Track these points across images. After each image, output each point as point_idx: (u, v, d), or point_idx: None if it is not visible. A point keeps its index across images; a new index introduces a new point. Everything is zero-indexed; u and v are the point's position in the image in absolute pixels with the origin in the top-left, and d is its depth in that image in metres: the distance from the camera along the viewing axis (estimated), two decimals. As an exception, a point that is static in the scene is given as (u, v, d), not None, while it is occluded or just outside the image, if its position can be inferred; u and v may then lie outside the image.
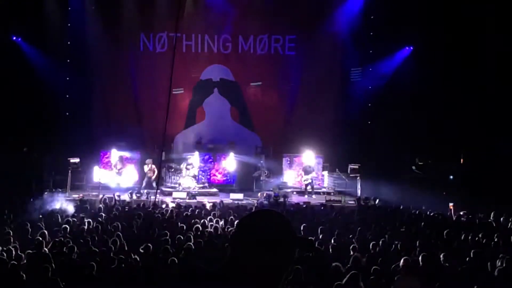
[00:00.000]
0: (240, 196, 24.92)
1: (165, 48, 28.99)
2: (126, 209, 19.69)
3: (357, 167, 26.17)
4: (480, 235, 14.96)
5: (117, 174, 26.50)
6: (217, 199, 23.39)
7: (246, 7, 28.49)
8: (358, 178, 25.90)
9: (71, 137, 26.53)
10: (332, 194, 26.59)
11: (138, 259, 11.74)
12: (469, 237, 14.78)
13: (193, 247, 12.81)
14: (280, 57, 29.41)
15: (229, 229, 15.40)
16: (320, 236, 14.62)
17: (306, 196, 26.06)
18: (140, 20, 28.73)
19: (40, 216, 17.07)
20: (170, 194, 25.08)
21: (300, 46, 29.34)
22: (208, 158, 28.10)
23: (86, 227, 15.34)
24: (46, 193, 23.38)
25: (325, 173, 27.68)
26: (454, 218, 19.34)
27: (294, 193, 26.84)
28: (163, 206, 20.95)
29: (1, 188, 21.54)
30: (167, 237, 13.69)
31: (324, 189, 27.37)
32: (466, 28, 25.76)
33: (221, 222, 16.95)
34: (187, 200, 23.78)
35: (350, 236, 15.08)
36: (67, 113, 27.94)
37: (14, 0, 25.83)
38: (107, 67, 28.50)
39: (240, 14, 28.46)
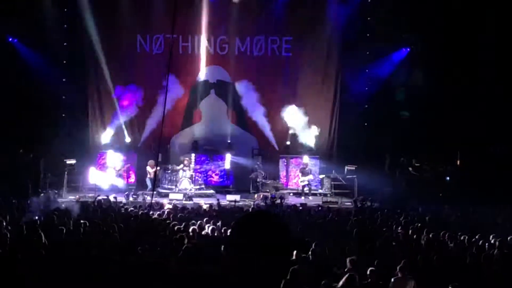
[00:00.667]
0: (237, 197, 24.89)
1: (161, 50, 28.97)
2: (122, 211, 19.63)
3: (353, 168, 26.19)
4: (476, 237, 14.97)
5: (116, 176, 26.49)
6: (213, 201, 23.37)
7: (242, 8, 28.47)
8: (355, 179, 25.90)
9: (67, 139, 26.53)
10: (328, 195, 26.58)
11: (134, 260, 11.69)
12: (465, 238, 14.79)
13: (190, 248, 12.76)
14: (276, 58, 29.36)
15: (226, 231, 15.35)
16: (317, 238, 14.57)
17: (302, 197, 26.06)
18: (137, 21, 28.68)
19: (36, 218, 17.00)
20: (166, 195, 25.06)
21: (297, 47, 29.30)
22: (204, 159, 28.07)
23: (82, 229, 15.29)
24: (43, 193, 23.34)
25: (322, 176, 27.64)
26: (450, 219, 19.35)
27: (291, 194, 26.84)
28: (159, 207, 20.90)
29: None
30: (164, 238, 13.66)
31: (320, 191, 27.36)
32: (463, 29, 25.81)
33: (218, 224, 16.90)
34: (184, 202, 23.74)
35: (347, 237, 15.06)
36: (63, 115, 27.89)
37: (10, 1, 25.78)
38: (104, 69, 28.42)
39: (236, 16, 28.44)
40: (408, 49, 28.31)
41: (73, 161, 25.65)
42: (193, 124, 29.68)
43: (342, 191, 26.47)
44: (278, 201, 23.56)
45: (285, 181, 28.28)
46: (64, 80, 28.03)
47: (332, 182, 27.00)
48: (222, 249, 12.31)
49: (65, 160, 25.44)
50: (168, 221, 17.12)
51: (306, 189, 26.59)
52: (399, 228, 16.86)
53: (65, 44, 28.04)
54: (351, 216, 19.74)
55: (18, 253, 11.67)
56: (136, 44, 29.14)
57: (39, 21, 27.26)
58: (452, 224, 18.05)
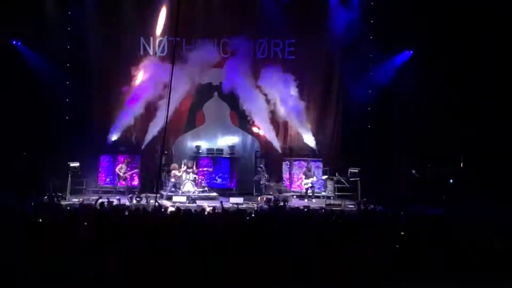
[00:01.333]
0: (240, 200, 24.89)
1: (165, 52, 29.01)
2: (126, 213, 19.59)
3: (357, 171, 26.18)
4: (479, 238, 14.92)
5: (121, 178, 26.53)
6: (217, 203, 23.36)
7: (245, 11, 28.51)
8: (358, 182, 25.89)
9: (71, 141, 26.57)
10: (332, 198, 26.58)
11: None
12: (469, 241, 14.74)
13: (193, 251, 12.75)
14: (279, 61, 29.33)
15: (231, 232, 15.31)
16: (320, 239, 14.53)
17: (306, 200, 26.04)
18: (140, 24, 28.72)
19: (40, 220, 16.98)
20: (169, 198, 25.06)
21: (300, 50, 29.29)
22: (208, 162, 28.06)
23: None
24: (46, 196, 23.35)
25: (325, 177, 27.61)
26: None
27: (294, 197, 26.82)
28: (162, 210, 20.86)
29: (0, 192, 21.52)
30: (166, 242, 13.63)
31: (324, 193, 27.35)
32: (466, 31, 25.78)
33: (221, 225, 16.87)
34: (187, 204, 23.76)
35: (350, 240, 15.01)
36: (67, 117, 27.91)
37: (13, 4, 25.82)
38: (107, 71, 28.46)
39: (239, 19, 28.47)
40: (411, 52, 28.28)
41: (76, 164, 25.67)
42: (196, 126, 29.71)
43: (345, 193, 26.47)
44: (281, 203, 23.54)
45: (288, 183, 28.26)
46: (67, 83, 28.06)
47: (335, 185, 27.00)
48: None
49: (68, 163, 25.46)
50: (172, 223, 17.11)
51: (309, 191, 26.59)
52: (402, 231, 16.84)
53: (68, 47, 28.07)
54: (354, 218, 19.73)
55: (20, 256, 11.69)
56: (140, 47, 29.18)
57: (43, 24, 27.31)
58: (456, 226, 18.00)
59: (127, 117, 27.93)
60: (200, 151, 28.38)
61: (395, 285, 10.89)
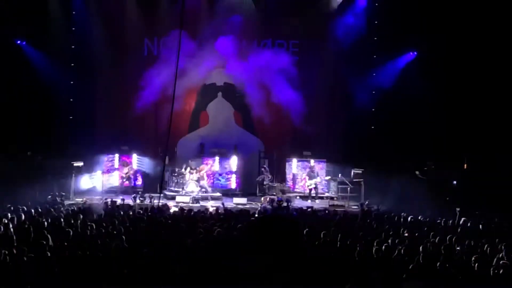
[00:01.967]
0: (243, 200, 24.91)
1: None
2: (130, 213, 19.64)
3: (360, 172, 26.16)
4: (483, 241, 14.93)
5: (124, 179, 26.55)
6: (220, 204, 23.40)
7: (250, 12, 28.53)
8: (362, 183, 25.87)
9: (75, 141, 26.62)
10: (335, 198, 26.58)
11: (141, 262, 11.71)
12: (472, 243, 14.76)
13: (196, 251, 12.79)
14: (283, 61, 29.30)
15: (234, 233, 15.34)
16: (324, 240, 14.57)
17: (309, 201, 26.03)
18: (144, 24, 28.78)
19: (44, 220, 17.03)
20: (173, 198, 25.09)
21: (304, 50, 29.32)
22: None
23: (89, 231, 15.31)
24: (50, 196, 23.39)
25: (328, 178, 27.59)
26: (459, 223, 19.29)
27: (298, 197, 26.82)
28: (165, 210, 20.90)
29: (5, 191, 21.54)
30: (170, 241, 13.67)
31: (327, 194, 27.34)
32: (469, 33, 25.76)
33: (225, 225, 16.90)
34: (190, 204, 23.77)
35: (354, 241, 15.04)
36: (71, 117, 27.96)
37: (18, 4, 25.86)
38: (111, 71, 28.53)
39: (244, 19, 28.46)
40: (415, 53, 28.28)
41: (80, 164, 25.70)
42: (200, 126, 29.73)
43: (348, 194, 26.44)
44: (285, 204, 23.56)
45: (291, 184, 28.26)
46: (71, 82, 28.12)
47: (339, 186, 26.98)
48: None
49: (72, 162, 25.49)
50: (175, 223, 17.13)
51: (313, 192, 26.58)
52: (405, 232, 16.85)
53: (72, 47, 28.15)
54: (357, 219, 19.76)
55: (24, 255, 11.72)
56: (144, 47, 29.23)
57: (47, 24, 27.39)
58: (460, 228, 18.01)
59: (131, 117, 27.98)
60: (203, 151, 28.36)
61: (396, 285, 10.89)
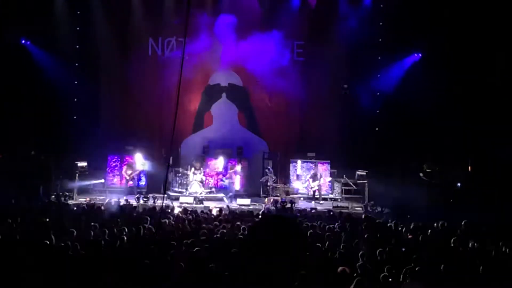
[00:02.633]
0: (247, 201, 24.89)
1: (173, 53, 29.03)
2: (134, 214, 19.63)
3: (364, 173, 26.15)
4: (487, 243, 14.91)
5: (128, 180, 26.54)
6: (224, 204, 23.40)
7: (255, 12, 28.50)
8: (366, 184, 25.85)
9: (79, 141, 26.66)
10: (339, 200, 26.55)
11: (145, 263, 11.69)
12: (475, 245, 14.74)
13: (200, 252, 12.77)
14: (288, 62, 29.32)
15: (238, 234, 15.33)
16: (327, 243, 14.55)
17: (313, 202, 25.97)
18: (149, 25, 28.79)
19: (47, 219, 17.04)
20: (177, 198, 25.07)
21: (309, 52, 29.30)
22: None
23: (92, 231, 15.31)
24: (54, 195, 23.42)
25: (329, 179, 27.53)
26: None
27: (301, 199, 26.76)
28: (169, 210, 20.89)
29: (9, 191, 21.58)
30: (174, 241, 13.66)
31: (331, 196, 27.30)
32: (474, 34, 25.70)
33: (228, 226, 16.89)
34: (194, 205, 23.77)
35: (357, 242, 15.02)
36: (75, 117, 27.97)
37: (23, 4, 25.88)
38: (116, 72, 28.56)
39: (248, 19, 28.42)
40: (420, 54, 28.25)
41: (84, 163, 25.72)
42: (204, 127, 29.72)
43: (352, 196, 26.42)
44: (288, 205, 23.54)
45: (295, 185, 28.20)
46: (76, 82, 28.13)
47: (343, 187, 26.94)
48: (233, 252, 12.33)
49: (76, 162, 25.50)
50: (178, 224, 17.12)
51: (316, 194, 26.52)
52: (409, 234, 16.84)
53: (77, 46, 28.19)
54: (361, 221, 19.72)
55: (28, 255, 11.71)
56: (148, 47, 29.25)
57: (52, 23, 27.41)
58: (464, 230, 17.98)
59: (135, 117, 28.07)
60: (207, 151, 28.33)
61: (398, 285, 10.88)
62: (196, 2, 27.71)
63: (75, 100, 28.12)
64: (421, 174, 26.62)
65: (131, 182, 26.53)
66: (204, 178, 26.73)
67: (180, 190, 26.52)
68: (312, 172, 27.14)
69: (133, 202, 23.14)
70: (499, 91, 25.92)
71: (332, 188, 27.79)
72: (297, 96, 28.63)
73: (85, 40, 28.15)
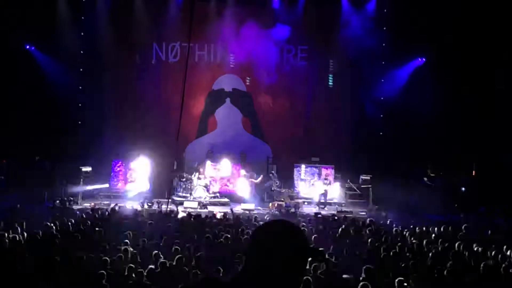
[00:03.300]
0: (251, 206, 24.89)
1: (177, 58, 29.12)
2: (139, 219, 19.65)
3: (368, 178, 26.14)
4: (492, 246, 14.90)
5: (132, 184, 26.59)
6: (227, 209, 23.40)
7: (258, 17, 28.54)
8: (370, 189, 25.84)
9: (83, 146, 26.69)
10: (343, 205, 26.52)
11: (150, 268, 11.71)
12: (479, 250, 14.74)
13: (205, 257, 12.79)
14: (292, 67, 29.39)
15: (243, 238, 15.33)
16: (332, 247, 14.56)
17: (317, 207, 25.93)
18: (153, 30, 28.86)
19: (52, 224, 17.07)
20: (181, 203, 25.08)
21: (312, 56, 29.35)
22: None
23: (97, 236, 15.34)
24: (59, 200, 23.47)
25: (337, 184, 27.50)
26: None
27: (306, 203, 26.74)
28: (173, 215, 20.89)
29: (14, 196, 21.64)
30: (178, 247, 13.67)
31: (335, 200, 27.25)
32: (479, 39, 25.71)
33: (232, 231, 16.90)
34: (198, 210, 23.77)
35: (362, 247, 15.04)
36: (79, 122, 28.02)
37: (27, 9, 25.95)
38: (120, 77, 28.64)
39: (252, 24, 28.47)
40: (424, 59, 28.26)
41: (88, 169, 25.76)
42: (208, 132, 29.76)
43: (357, 200, 26.41)
44: (293, 210, 23.54)
45: (299, 190, 28.18)
46: (80, 87, 28.21)
47: (347, 192, 26.94)
48: (238, 256, 12.34)
49: (80, 167, 25.54)
50: (182, 228, 17.13)
51: (322, 199, 26.45)
52: (413, 238, 16.85)
53: (81, 52, 28.26)
54: (365, 225, 19.72)
55: (34, 259, 11.75)
56: (152, 53, 29.32)
57: (56, 29, 27.47)
58: (467, 234, 17.97)
59: (139, 122, 28.12)
60: (211, 156, 28.32)
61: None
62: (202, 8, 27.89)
63: (80, 105, 28.19)
64: (425, 179, 26.63)
65: (135, 187, 26.57)
66: (208, 182, 26.73)
67: (184, 195, 26.52)
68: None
69: (138, 207, 23.19)
70: (503, 95, 25.92)
71: (336, 193, 27.60)
72: (301, 100, 28.69)
73: (89, 45, 28.21)
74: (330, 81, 29.06)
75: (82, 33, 28.28)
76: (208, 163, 27.56)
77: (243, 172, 27.30)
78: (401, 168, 26.76)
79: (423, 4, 26.09)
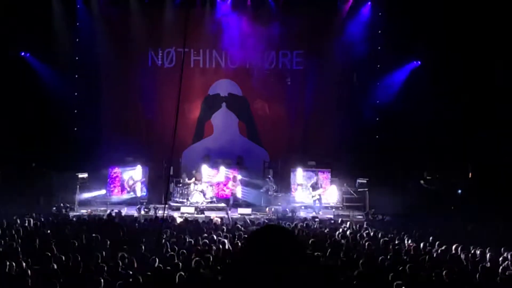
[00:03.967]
0: (248, 211, 24.87)
1: (173, 63, 29.12)
2: (137, 225, 19.64)
3: (365, 181, 26.13)
4: (487, 250, 14.91)
5: (130, 191, 26.54)
6: (224, 214, 23.39)
7: (253, 22, 28.58)
8: (367, 192, 25.84)
9: (80, 152, 26.64)
10: (340, 208, 26.50)
11: (146, 274, 11.69)
12: (477, 252, 14.76)
13: (202, 262, 12.77)
14: (287, 72, 29.44)
15: (238, 244, 15.33)
16: (329, 251, 14.56)
17: (314, 212, 25.87)
18: (148, 36, 28.87)
19: (49, 231, 17.06)
20: (178, 209, 25.07)
21: (308, 61, 29.36)
22: (216, 173, 27.92)
23: (94, 242, 15.32)
24: (55, 207, 23.45)
25: (333, 187, 27.44)
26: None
27: (302, 208, 26.71)
28: (170, 220, 20.88)
29: (10, 203, 21.59)
30: (175, 253, 13.66)
31: (332, 204, 27.21)
32: (474, 41, 25.74)
33: (229, 236, 16.89)
34: (195, 215, 23.76)
35: (359, 250, 15.05)
36: (76, 128, 27.97)
37: (22, 16, 25.93)
38: (116, 83, 28.64)
39: (247, 29, 28.52)
40: (419, 62, 28.27)
41: (85, 175, 25.73)
42: (204, 137, 29.75)
43: (353, 204, 26.40)
44: (290, 214, 23.53)
45: (296, 194, 28.14)
46: (76, 94, 28.16)
47: (344, 195, 26.92)
48: (229, 262, 12.34)
49: (77, 174, 25.50)
50: (179, 235, 17.12)
51: (317, 203, 26.39)
52: (410, 241, 16.86)
53: (76, 58, 28.20)
54: (362, 229, 19.74)
55: (30, 266, 11.73)
56: (148, 58, 29.32)
57: (51, 35, 27.44)
58: (465, 237, 17.98)
59: (135, 128, 28.16)
60: (208, 161, 28.30)
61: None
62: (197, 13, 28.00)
63: (75, 111, 28.15)
64: (421, 182, 26.65)
65: (132, 193, 26.54)
66: (205, 188, 26.71)
67: (181, 200, 26.51)
68: (312, 181, 27.01)
69: (134, 213, 23.18)
70: (499, 97, 25.93)
71: (332, 196, 27.56)
72: (297, 105, 28.73)
73: (85, 51, 28.16)
74: (325, 85, 28.98)
75: (77, 40, 28.25)
76: (205, 167, 27.53)
77: (239, 177, 27.28)
78: (397, 171, 26.76)
79: (417, 7, 26.10)
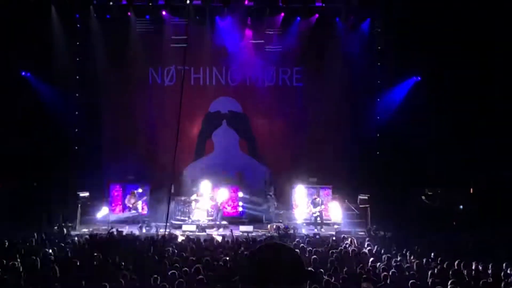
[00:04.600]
0: (249, 228, 24.83)
1: (173, 81, 29.19)
2: (137, 243, 19.61)
3: (366, 197, 26.06)
4: (490, 265, 14.90)
5: (131, 209, 26.49)
6: (227, 232, 23.34)
7: (253, 39, 28.69)
8: (368, 208, 25.78)
9: (80, 171, 26.66)
10: (341, 225, 26.43)
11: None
12: (480, 267, 14.74)
13: (204, 280, 12.76)
14: (287, 89, 29.51)
15: (240, 261, 15.31)
16: (331, 267, 14.54)
17: (316, 229, 25.79)
18: (149, 54, 28.93)
19: (51, 251, 17.04)
20: (179, 227, 25.02)
21: (308, 77, 29.44)
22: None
23: (96, 262, 15.29)
24: (57, 226, 23.44)
25: (335, 204, 27.35)
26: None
27: (304, 224, 26.66)
28: (172, 238, 20.84)
29: (11, 222, 21.59)
30: (177, 271, 13.64)
31: (333, 220, 27.14)
32: (474, 55, 25.80)
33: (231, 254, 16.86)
34: (197, 233, 23.72)
35: (361, 266, 15.02)
36: (76, 147, 28.01)
37: (23, 35, 26.01)
38: (116, 101, 28.68)
39: (247, 47, 28.64)
40: (419, 78, 28.30)
41: (86, 194, 25.69)
42: (205, 154, 29.76)
43: (355, 220, 26.34)
44: (291, 231, 23.49)
45: (297, 211, 28.07)
46: (76, 113, 28.20)
47: (345, 212, 26.85)
48: (234, 280, 12.31)
49: (78, 192, 25.48)
50: (182, 253, 17.10)
51: (318, 220, 26.33)
52: (413, 257, 16.83)
53: (77, 77, 28.26)
54: (364, 245, 19.71)
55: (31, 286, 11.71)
56: (148, 76, 29.38)
57: (52, 54, 27.49)
58: (467, 252, 17.96)
59: (136, 146, 28.16)
60: (209, 179, 28.22)
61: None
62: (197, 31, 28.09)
63: (76, 130, 28.18)
64: (423, 197, 26.62)
65: (133, 211, 26.50)
66: (209, 205, 26.58)
67: (182, 218, 26.46)
68: (312, 198, 26.95)
69: (136, 231, 23.15)
70: (500, 111, 25.97)
71: (333, 213, 27.48)
72: (298, 121, 28.76)
73: (85, 70, 28.24)
74: (325, 101, 28.99)
75: (77, 58, 28.34)
76: (205, 184, 27.42)
77: (240, 194, 27.25)
78: (398, 187, 26.73)
79: (416, 23, 26.18)
